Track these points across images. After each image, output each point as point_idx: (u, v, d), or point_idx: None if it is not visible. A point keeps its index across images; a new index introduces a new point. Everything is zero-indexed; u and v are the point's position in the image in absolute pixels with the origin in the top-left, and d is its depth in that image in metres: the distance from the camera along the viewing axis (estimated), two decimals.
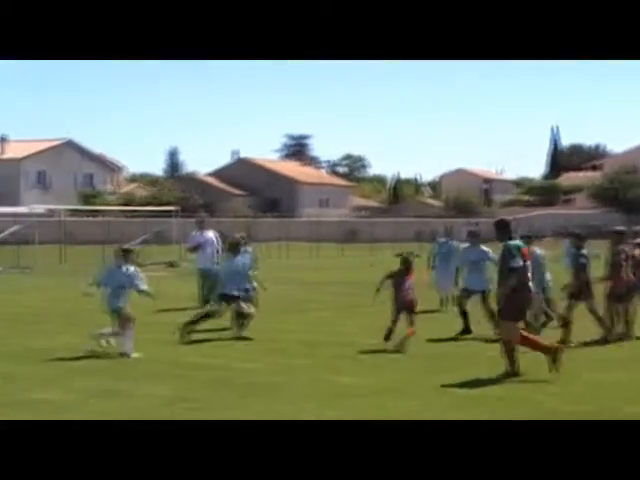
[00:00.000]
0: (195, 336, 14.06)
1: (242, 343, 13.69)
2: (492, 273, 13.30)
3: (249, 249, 15.50)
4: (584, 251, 13.83)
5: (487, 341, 13.19)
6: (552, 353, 10.43)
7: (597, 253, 21.92)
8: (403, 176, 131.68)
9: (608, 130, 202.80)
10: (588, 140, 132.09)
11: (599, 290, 14.11)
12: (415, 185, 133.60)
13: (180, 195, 74.95)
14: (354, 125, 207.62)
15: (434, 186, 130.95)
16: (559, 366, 10.37)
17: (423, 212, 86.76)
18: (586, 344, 13.31)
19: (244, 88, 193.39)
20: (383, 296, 13.48)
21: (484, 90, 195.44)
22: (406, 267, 13.65)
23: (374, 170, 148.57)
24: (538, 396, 9.57)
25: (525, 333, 10.75)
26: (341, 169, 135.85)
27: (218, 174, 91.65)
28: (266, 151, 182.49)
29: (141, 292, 13.00)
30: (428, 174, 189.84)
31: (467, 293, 14.64)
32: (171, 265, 31.77)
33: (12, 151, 76.08)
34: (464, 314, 14.36)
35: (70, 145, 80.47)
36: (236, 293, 14.37)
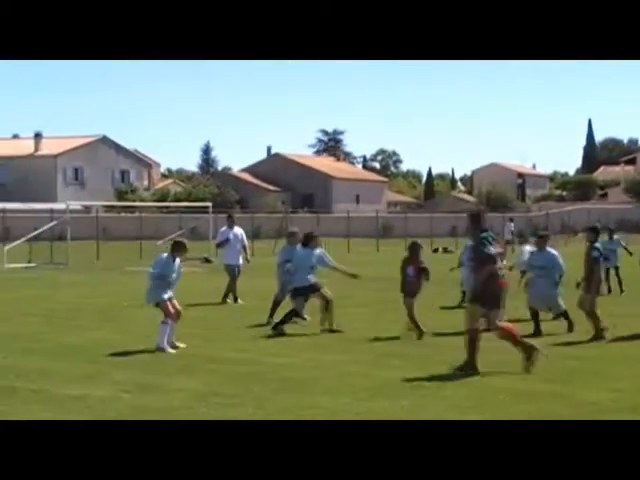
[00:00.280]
0: (228, 331, 14.08)
1: (275, 338, 13.65)
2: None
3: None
4: (598, 244, 13.85)
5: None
6: (529, 352, 10.58)
7: (624, 246, 21.78)
8: (436, 171, 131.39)
9: None
10: (620, 134, 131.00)
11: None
12: (450, 180, 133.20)
13: (215, 191, 75.22)
14: (387, 120, 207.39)
15: (465, 182, 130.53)
16: (531, 366, 10.51)
17: (458, 207, 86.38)
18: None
19: (277, 84, 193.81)
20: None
21: (517, 84, 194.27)
22: (411, 254, 13.98)
23: (407, 165, 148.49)
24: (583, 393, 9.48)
25: (509, 326, 10.90)
26: (375, 164, 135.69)
27: (252, 170, 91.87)
28: (300, 146, 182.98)
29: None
30: (460, 169, 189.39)
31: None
32: (206, 261, 31.88)
33: (47, 148, 76.71)
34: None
35: (105, 141, 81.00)
36: (307, 283, 14.44)
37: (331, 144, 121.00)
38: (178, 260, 12.98)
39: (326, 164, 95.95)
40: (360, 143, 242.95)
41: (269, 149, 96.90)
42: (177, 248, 13.03)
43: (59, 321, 16.00)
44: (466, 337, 10.89)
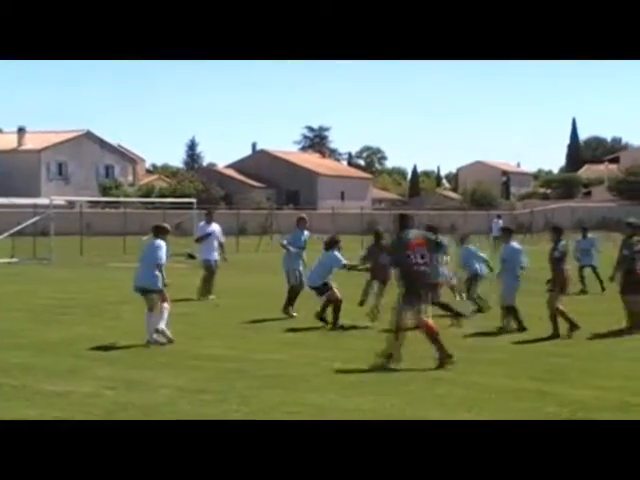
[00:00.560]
0: (213, 328, 14.04)
1: (261, 335, 13.62)
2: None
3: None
4: (561, 244, 13.95)
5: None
6: (443, 357, 10.81)
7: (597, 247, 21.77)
8: (421, 168, 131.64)
9: (624, 123, 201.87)
10: (604, 133, 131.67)
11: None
12: (436, 177, 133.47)
13: (200, 187, 75.07)
14: (373, 117, 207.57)
15: (450, 179, 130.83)
16: (442, 366, 10.69)
17: (443, 205, 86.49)
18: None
19: (262, 80, 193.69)
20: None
21: (502, 82, 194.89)
22: (376, 241, 15.55)
23: (392, 162, 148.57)
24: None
25: (431, 323, 11.08)
26: (360, 161, 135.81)
27: (238, 166, 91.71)
28: (285, 143, 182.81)
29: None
30: (446, 166, 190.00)
31: None
32: (190, 257, 31.77)
33: (31, 142, 76.33)
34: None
35: (89, 136, 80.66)
36: (321, 283, 14.81)
37: (316, 141, 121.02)
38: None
39: (311, 161, 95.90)
40: (345, 140, 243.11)
41: (254, 145, 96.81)
42: (162, 231, 13.25)
43: (42, 317, 15.90)
44: (395, 333, 11.06)
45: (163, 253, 13.00)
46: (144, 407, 8.61)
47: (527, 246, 16.95)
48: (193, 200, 41.55)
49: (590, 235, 22.50)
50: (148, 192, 75.99)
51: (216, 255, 19.99)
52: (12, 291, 21.02)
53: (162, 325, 12.65)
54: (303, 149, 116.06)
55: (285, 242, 16.64)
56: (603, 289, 20.50)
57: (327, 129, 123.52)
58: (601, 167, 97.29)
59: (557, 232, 14.15)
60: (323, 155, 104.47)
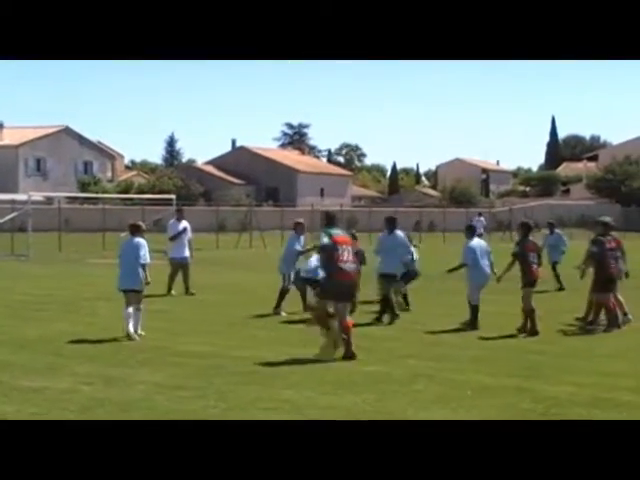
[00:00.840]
0: (191, 324, 14.04)
1: (240, 332, 13.63)
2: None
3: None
4: (530, 239, 14.26)
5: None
6: (347, 350, 11.18)
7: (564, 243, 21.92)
8: (400, 166, 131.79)
9: (603, 122, 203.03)
10: (583, 131, 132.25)
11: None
12: (415, 175, 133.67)
13: (179, 184, 74.85)
14: (352, 114, 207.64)
15: (429, 177, 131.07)
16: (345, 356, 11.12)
17: (422, 202, 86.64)
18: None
19: (242, 77, 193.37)
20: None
21: (481, 80, 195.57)
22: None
23: (371, 160, 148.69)
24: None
25: (347, 321, 11.36)
26: (339, 158, 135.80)
27: (217, 163, 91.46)
28: (265, 140, 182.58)
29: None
30: (425, 164, 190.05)
31: None
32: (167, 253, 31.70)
33: (8, 138, 75.80)
34: None
35: (68, 132, 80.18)
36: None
37: (296, 137, 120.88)
38: None
39: (291, 157, 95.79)
40: (325, 137, 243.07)
41: (234, 142, 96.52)
42: (140, 229, 13.41)
43: (20, 313, 15.83)
44: (320, 323, 11.55)
45: (147, 252, 13.15)
46: (121, 403, 8.62)
47: (505, 244, 16.98)
48: (172, 196, 41.44)
49: (558, 231, 22.60)
50: (127, 188, 75.71)
51: (187, 252, 19.96)
52: None
53: (135, 327, 12.88)
54: (283, 146, 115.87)
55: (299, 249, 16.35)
56: (560, 287, 20.55)
57: (307, 126, 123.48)
58: (580, 165, 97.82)
59: (524, 228, 14.32)
60: (302, 152, 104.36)
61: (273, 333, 13.58)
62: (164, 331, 13.51)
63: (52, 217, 43.14)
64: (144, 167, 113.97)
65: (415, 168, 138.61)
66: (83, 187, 73.33)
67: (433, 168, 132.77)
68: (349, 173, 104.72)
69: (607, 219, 15.32)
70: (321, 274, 15.25)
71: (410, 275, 16.47)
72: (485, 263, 14.47)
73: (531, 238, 14.37)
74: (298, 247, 16.25)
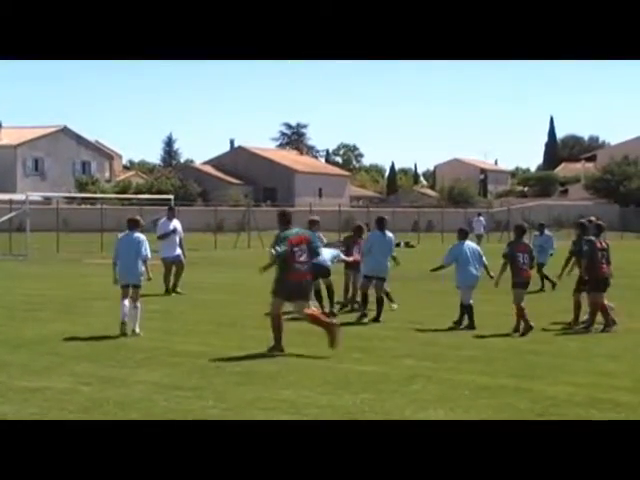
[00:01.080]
0: (189, 324, 14.06)
1: (239, 332, 13.64)
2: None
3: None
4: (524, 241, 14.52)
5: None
6: (332, 332, 11.56)
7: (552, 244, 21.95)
8: (398, 166, 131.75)
9: (601, 122, 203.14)
10: (581, 132, 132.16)
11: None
12: (413, 175, 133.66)
13: (177, 184, 74.86)
14: (350, 114, 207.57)
15: (427, 177, 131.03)
16: (335, 342, 11.46)
17: (420, 202, 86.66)
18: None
19: (240, 77, 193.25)
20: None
21: (479, 80, 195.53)
22: (354, 233, 17.11)
23: (369, 160, 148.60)
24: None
25: (311, 311, 11.90)
26: (337, 158, 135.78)
27: (215, 163, 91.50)
28: (263, 140, 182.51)
29: None
30: (423, 164, 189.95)
31: None
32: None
33: (7, 138, 75.78)
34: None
35: (66, 132, 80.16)
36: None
37: (294, 138, 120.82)
38: None
39: (289, 158, 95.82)
40: (323, 137, 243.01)
41: (232, 142, 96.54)
42: (137, 224, 13.65)
43: (19, 313, 15.83)
44: (272, 324, 11.86)
45: (147, 247, 13.42)
46: (120, 403, 8.62)
47: (503, 244, 17.04)
48: (170, 197, 41.45)
49: (548, 232, 22.58)
50: (125, 188, 75.71)
51: (178, 251, 19.95)
52: None
53: (134, 325, 13.06)
54: (281, 146, 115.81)
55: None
56: (541, 289, 20.52)
57: (305, 126, 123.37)
58: (578, 165, 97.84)
59: (518, 231, 14.54)
60: (301, 152, 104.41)
61: (270, 332, 13.54)
62: (162, 331, 13.52)
63: (50, 217, 43.18)
64: (142, 167, 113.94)
65: (413, 168, 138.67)
66: (81, 187, 73.29)
67: (431, 168, 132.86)
68: (347, 173, 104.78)
69: (588, 219, 15.62)
70: (329, 263, 15.97)
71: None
72: (474, 264, 14.55)
73: (525, 240, 14.51)
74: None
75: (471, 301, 14.36)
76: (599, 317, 14.22)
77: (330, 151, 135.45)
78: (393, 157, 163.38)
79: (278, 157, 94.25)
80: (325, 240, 16.99)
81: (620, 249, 42.71)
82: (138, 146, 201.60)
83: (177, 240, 19.96)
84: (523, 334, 13.54)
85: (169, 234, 19.87)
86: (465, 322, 14.35)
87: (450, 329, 14.09)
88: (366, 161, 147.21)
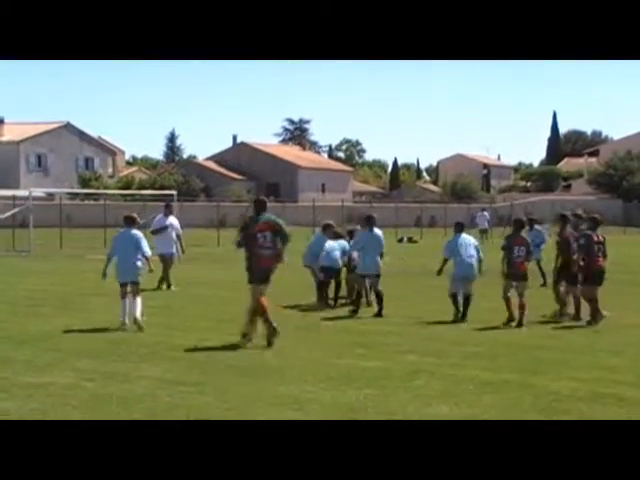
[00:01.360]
0: (190, 320, 14.07)
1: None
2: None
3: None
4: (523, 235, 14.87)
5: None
6: (270, 330, 11.86)
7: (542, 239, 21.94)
8: (401, 161, 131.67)
9: (604, 117, 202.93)
10: (584, 127, 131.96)
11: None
12: (416, 170, 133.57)
13: (180, 179, 74.85)
14: (352, 109, 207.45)
15: (430, 172, 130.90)
16: (271, 341, 11.78)
17: (423, 197, 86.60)
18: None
19: (243, 73, 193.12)
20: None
21: (482, 75, 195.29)
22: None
23: (372, 155, 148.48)
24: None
25: (263, 301, 12.05)
26: (340, 154, 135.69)
27: (218, 158, 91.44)
28: (266, 135, 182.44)
29: None
30: (426, 159, 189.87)
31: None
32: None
33: (10, 134, 75.74)
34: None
35: (69, 128, 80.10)
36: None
37: (297, 133, 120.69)
38: None
39: (292, 153, 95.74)
40: (326, 132, 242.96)
41: (235, 138, 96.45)
42: (135, 221, 13.85)
43: (22, 309, 15.85)
44: (251, 309, 12.03)
45: (146, 244, 13.62)
46: (124, 399, 8.62)
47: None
48: (173, 192, 41.43)
49: (538, 227, 22.52)
50: (128, 184, 75.63)
51: (174, 248, 20.07)
52: None
53: (139, 314, 13.21)
54: (283, 141, 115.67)
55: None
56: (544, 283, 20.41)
57: (307, 121, 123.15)
58: (581, 160, 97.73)
59: (516, 224, 14.95)
60: (303, 148, 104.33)
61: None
62: (164, 326, 13.53)
63: (53, 213, 43.17)
64: (145, 163, 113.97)
65: (416, 163, 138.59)
66: (84, 183, 73.22)
67: (434, 163, 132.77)
68: (350, 169, 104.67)
69: (597, 215, 15.65)
70: (340, 262, 16.40)
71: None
72: (468, 255, 14.80)
73: (523, 234, 14.79)
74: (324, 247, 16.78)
75: (453, 291, 14.77)
76: (583, 310, 14.50)
77: (333, 146, 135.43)
78: (396, 152, 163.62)
79: (281, 153, 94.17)
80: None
81: (623, 244, 42.75)
82: (141, 142, 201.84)
83: (173, 236, 20.02)
84: (506, 322, 13.97)
85: (162, 229, 19.94)
86: (465, 315, 14.58)
87: (454, 325, 14.06)
88: (369, 156, 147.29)
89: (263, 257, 12.03)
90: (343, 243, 16.79)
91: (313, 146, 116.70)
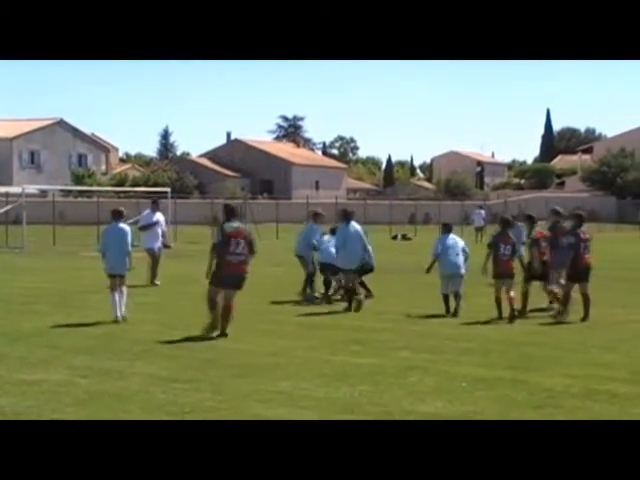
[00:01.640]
0: (185, 317, 14.08)
1: (234, 324, 13.65)
2: None
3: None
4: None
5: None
6: (224, 326, 12.45)
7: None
8: (395, 158, 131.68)
9: (598, 114, 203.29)
10: (578, 124, 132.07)
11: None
12: (410, 167, 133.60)
13: (174, 176, 74.81)
14: (346, 107, 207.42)
15: (424, 169, 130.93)
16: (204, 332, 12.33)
17: (417, 195, 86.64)
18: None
19: (236, 69, 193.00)
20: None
21: (476, 72, 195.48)
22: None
23: (366, 152, 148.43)
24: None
25: (214, 298, 12.44)
26: (334, 151, 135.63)
27: (211, 155, 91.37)
28: (260, 132, 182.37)
29: None
30: (420, 156, 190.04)
31: None
32: (164, 247, 31.69)
33: (3, 130, 75.56)
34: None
35: (62, 125, 79.96)
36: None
37: (291, 130, 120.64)
38: None
39: (286, 150, 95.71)
40: (320, 129, 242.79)
41: (229, 135, 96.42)
42: (122, 215, 14.37)
43: (16, 306, 15.83)
44: (207, 306, 12.46)
45: (130, 240, 14.09)
46: (118, 396, 8.63)
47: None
48: (167, 189, 41.43)
49: (519, 224, 22.60)
50: (121, 181, 75.58)
51: (159, 243, 20.32)
52: None
53: (124, 309, 13.66)
54: (277, 138, 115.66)
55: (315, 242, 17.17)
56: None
57: (301, 119, 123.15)
58: (574, 158, 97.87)
59: (503, 223, 15.22)
60: (297, 145, 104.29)
61: (267, 326, 13.60)
62: (158, 323, 13.54)
63: (46, 210, 43.10)
64: (138, 160, 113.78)
65: (410, 161, 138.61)
66: (77, 180, 73.13)
67: (428, 161, 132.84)
68: (344, 166, 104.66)
69: (581, 211, 15.78)
70: (374, 261, 16.58)
71: (365, 269, 16.77)
72: (455, 254, 15.05)
73: (509, 233, 14.91)
74: (316, 238, 17.07)
75: (444, 292, 14.96)
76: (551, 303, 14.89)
77: (327, 144, 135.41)
78: (390, 150, 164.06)
79: (275, 150, 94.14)
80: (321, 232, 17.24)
81: (616, 241, 42.88)
82: (134, 139, 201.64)
83: (159, 232, 20.22)
84: (497, 317, 14.16)
85: (150, 225, 20.11)
86: (456, 311, 14.75)
87: (447, 322, 14.10)
88: (363, 154, 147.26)
89: (232, 263, 12.36)
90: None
91: (307, 143, 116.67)
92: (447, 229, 15.53)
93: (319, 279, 17.13)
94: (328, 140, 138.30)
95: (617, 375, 9.83)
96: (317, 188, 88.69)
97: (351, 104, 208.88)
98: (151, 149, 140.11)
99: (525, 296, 14.88)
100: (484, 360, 10.72)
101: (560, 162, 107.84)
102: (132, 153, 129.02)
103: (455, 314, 14.60)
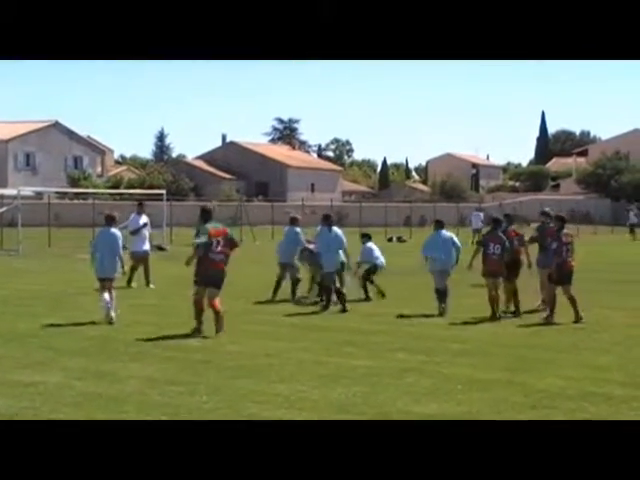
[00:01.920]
0: (181, 319, 14.07)
1: (230, 326, 13.66)
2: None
3: None
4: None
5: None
6: (220, 324, 12.71)
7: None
8: (390, 161, 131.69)
9: (593, 117, 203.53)
10: (573, 127, 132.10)
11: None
12: (405, 170, 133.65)
13: (169, 179, 74.74)
14: (342, 109, 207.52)
15: (420, 172, 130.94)
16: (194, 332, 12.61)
17: (412, 197, 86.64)
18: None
19: (232, 72, 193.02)
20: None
21: (471, 75, 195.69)
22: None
23: (361, 155, 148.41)
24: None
25: (200, 300, 12.73)
26: (329, 153, 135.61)
27: (207, 158, 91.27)
28: (255, 135, 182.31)
29: None
30: (415, 159, 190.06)
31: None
32: (160, 249, 31.63)
33: None
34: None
35: (57, 127, 79.84)
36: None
37: (286, 132, 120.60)
38: None
39: (281, 152, 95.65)
40: (315, 132, 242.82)
41: (224, 137, 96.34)
42: (114, 220, 14.72)
43: (11, 308, 15.81)
44: (194, 308, 12.79)
45: (121, 245, 14.39)
46: (113, 398, 8.63)
47: None
48: (163, 192, 41.38)
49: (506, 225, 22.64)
50: (117, 183, 75.48)
51: (147, 246, 20.33)
52: None
53: (113, 312, 13.78)
54: (273, 141, 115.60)
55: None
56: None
57: (297, 121, 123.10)
58: (569, 160, 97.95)
59: (493, 222, 15.43)
60: (293, 147, 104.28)
61: (262, 327, 13.61)
62: (153, 325, 13.53)
63: (42, 212, 43.02)
64: (134, 162, 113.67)
65: (405, 163, 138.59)
66: (73, 182, 73.01)
67: (423, 163, 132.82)
68: (339, 168, 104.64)
69: (547, 210, 16.45)
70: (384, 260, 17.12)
71: (369, 270, 17.34)
72: (446, 250, 15.29)
73: (499, 233, 14.97)
74: (302, 241, 17.21)
75: (440, 286, 15.16)
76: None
77: (322, 146, 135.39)
78: (385, 152, 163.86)
79: (270, 152, 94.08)
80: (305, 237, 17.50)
81: (610, 243, 42.93)
82: (130, 141, 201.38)
83: (146, 234, 20.21)
84: (492, 318, 14.31)
85: (140, 229, 20.08)
86: (443, 309, 14.96)
87: (443, 323, 14.12)
88: (358, 156, 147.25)
89: (214, 261, 12.69)
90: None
91: (302, 145, 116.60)
92: (439, 226, 15.73)
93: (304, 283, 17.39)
94: (324, 142, 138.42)
95: (612, 377, 9.85)
96: (312, 190, 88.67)
97: (346, 106, 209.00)
98: (147, 151, 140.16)
99: (514, 294, 15.07)
100: (480, 361, 10.74)
101: (555, 164, 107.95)
102: (128, 155, 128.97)
103: (443, 314, 14.75)
